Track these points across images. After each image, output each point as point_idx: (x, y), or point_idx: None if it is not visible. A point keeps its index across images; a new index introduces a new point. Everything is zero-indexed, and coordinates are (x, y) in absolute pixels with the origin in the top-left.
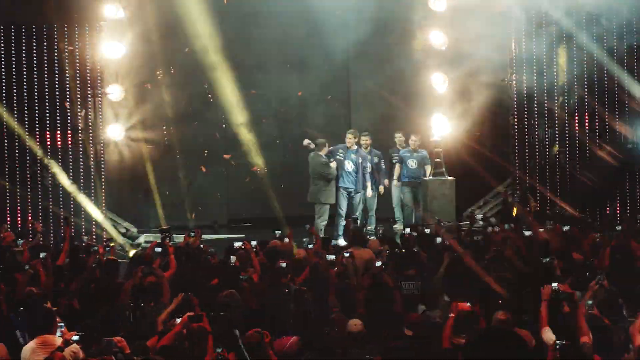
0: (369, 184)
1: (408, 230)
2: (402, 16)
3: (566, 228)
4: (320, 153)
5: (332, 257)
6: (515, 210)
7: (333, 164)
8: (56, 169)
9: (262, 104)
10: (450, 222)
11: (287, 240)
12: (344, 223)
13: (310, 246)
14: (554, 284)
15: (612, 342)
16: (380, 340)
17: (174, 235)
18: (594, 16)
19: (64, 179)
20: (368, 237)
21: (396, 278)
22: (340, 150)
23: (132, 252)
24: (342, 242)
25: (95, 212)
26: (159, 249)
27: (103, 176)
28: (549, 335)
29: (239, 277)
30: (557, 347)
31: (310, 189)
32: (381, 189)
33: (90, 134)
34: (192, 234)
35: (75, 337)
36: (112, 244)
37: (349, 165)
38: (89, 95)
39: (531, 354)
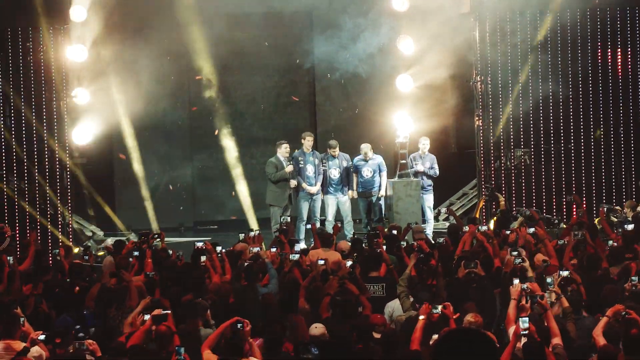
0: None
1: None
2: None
3: (531, 230)
4: (278, 154)
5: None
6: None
7: (288, 168)
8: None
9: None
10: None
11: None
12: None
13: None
14: (524, 285)
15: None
16: (347, 344)
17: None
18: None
19: None
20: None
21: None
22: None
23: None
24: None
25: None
26: (136, 253)
27: (69, 180)
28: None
29: (205, 279)
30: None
31: None
32: (350, 193)
33: (55, 138)
34: (157, 236)
35: (42, 337)
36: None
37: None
38: (54, 99)
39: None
